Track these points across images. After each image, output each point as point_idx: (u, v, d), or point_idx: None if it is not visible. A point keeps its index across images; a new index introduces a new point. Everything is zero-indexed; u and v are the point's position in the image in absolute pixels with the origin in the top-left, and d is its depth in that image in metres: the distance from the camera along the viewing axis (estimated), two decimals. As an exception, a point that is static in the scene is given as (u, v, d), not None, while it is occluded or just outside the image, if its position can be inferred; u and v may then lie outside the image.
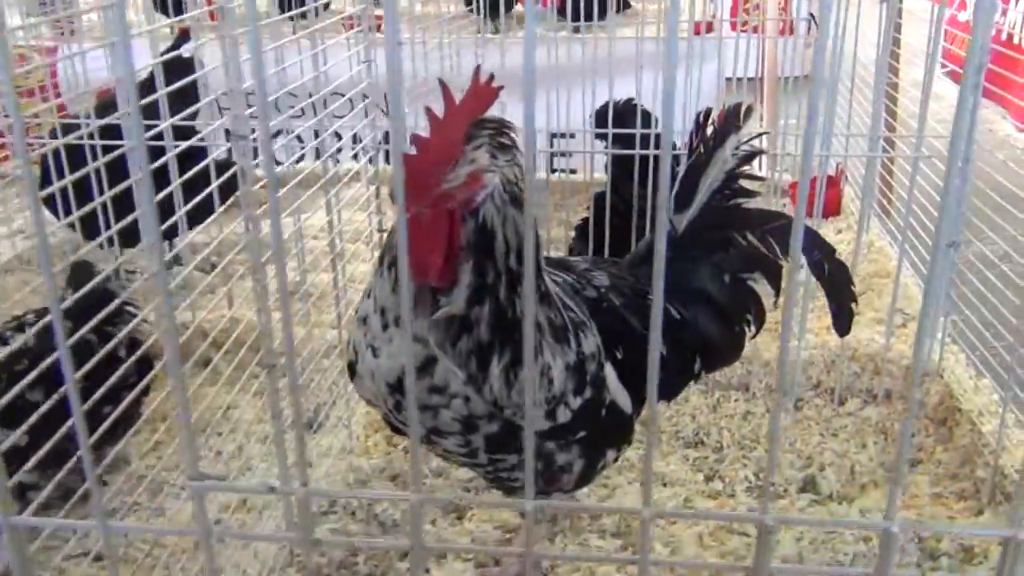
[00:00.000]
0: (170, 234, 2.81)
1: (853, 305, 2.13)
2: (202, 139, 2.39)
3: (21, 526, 1.05)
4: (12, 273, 3.87)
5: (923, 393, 2.76)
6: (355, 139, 3.01)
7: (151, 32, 2.39)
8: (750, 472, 2.57)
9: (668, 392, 2.10)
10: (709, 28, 4.67)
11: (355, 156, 2.66)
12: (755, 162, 2.23)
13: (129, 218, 2.04)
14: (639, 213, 2.85)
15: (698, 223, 2.08)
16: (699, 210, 2.08)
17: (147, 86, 2.62)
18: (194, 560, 2.24)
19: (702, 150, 2.11)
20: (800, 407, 2.82)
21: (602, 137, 3.15)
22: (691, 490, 2.49)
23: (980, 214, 2.78)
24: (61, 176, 2.69)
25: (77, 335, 1.51)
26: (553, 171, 4.29)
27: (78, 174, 2.01)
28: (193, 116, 2.41)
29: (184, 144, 2.33)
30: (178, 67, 2.66)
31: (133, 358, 1.97)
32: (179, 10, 4.02)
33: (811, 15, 5.99)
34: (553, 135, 3.59)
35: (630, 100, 3.14)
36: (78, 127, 2.66)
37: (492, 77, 1.54)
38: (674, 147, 3.05)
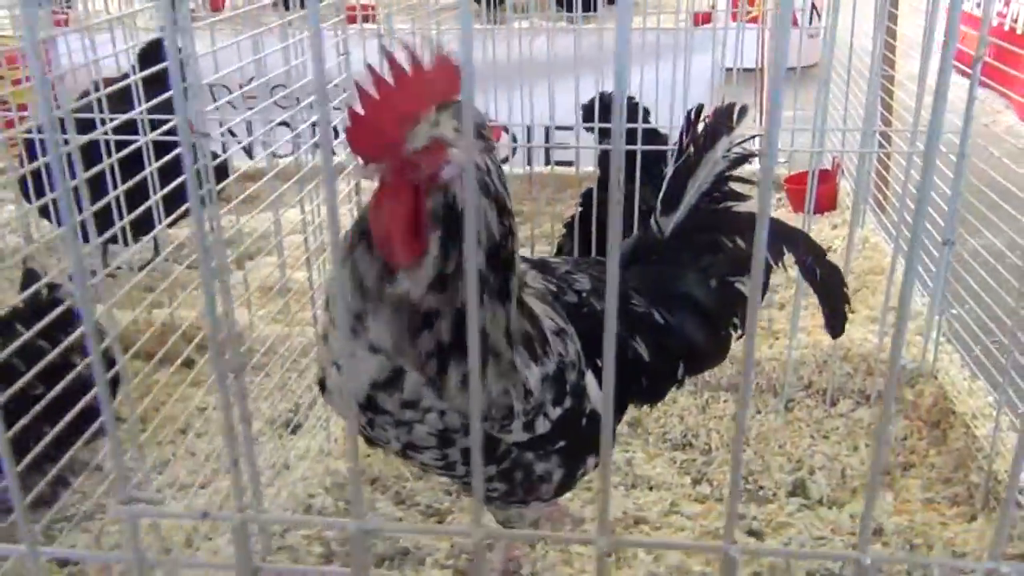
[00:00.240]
0: (146, 229, 2.76)
1: (846, 307, 2.06)
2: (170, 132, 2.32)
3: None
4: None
5: (916, 394, 2.69)
6: (336, 133, 2.94)
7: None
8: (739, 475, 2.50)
9: (651, 397, 2.03)
10: (707, 19, 4.61)
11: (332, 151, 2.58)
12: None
13: (91, 209, 1.97)
14: (627, 210, 2.78)
15: (685, 226, 2.00)
16: (687, 213, 2.00)
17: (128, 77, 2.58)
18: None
19: (691, 150, 2.03)
20: (791, 408, 2.76)
21: (591, 131, 3.08)
22: (678, 494, 2.43)
23: (976, 209, 2.70)
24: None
25: (20, 340, 1.45)
26: (549, 163, 4.23)
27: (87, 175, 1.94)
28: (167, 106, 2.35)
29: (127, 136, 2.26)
30: (159, 57, 2.61)
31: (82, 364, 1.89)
32: None
33: (813, 5, 5.92)
34: (558, 127, 3.53)
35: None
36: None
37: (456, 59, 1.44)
38: (666, 142, 2.99)
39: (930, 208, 2.83)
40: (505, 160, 4.49)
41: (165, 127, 2.21)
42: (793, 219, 3.74)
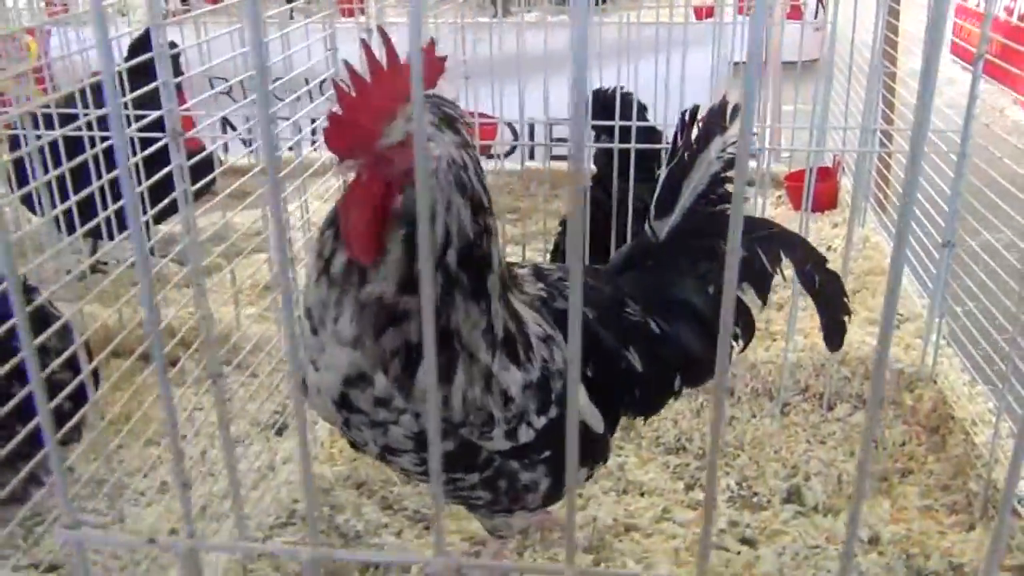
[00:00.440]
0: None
1: (846, 319, 1.97)
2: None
3: None
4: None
5: (915, 399, 2.63)
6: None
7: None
8: (733, 481, 2.46)
9: (646, 410, 1.95)
10: (710, 13, 4.54)
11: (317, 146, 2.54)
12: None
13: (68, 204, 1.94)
14: (622, 209, 2.73)
15: (681, 230, 1.93)
16: (682, 216, 1.93)
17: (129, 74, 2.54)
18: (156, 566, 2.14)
19: (685, 152, 1.96)
20: (787, 412, 2.71)
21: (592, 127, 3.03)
22: (670, 500, 2.38)
23: (978, 209, 2.64)
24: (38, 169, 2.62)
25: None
26: (554, 158, 4.17)
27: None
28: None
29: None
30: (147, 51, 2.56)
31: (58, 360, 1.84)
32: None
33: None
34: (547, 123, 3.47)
35: (621, 88, 3.00)
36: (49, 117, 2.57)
37: (440, 55, 1.44)
38: (663, 140, 2.92)
39: (930, 208, 2.77)
40: (508, 155, 4.43)
41: (139, 124, 2.16)
42: (793, 217, 3.68)
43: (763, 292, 1.96)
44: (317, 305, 1.48)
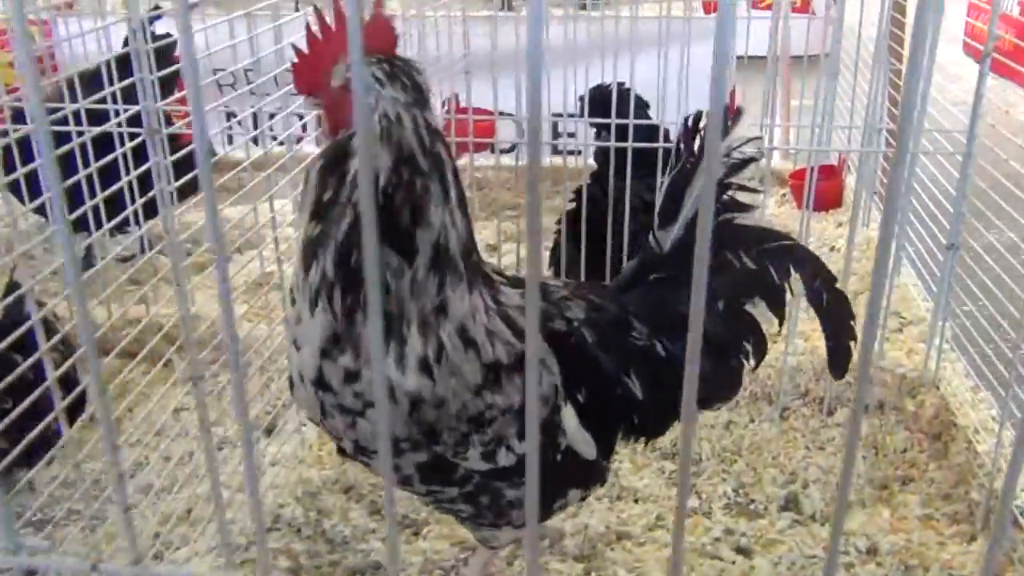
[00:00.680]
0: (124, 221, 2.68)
1: (851, 344, 1.89)
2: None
3: None
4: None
5: (917, 405, 2.57)
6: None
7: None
8: (730, 488, 2.40)
9: (647, 435, 1.86)
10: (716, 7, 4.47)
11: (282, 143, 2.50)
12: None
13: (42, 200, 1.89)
14: (619, 207, 2.67)
15: (685, 242, 1.83)
16: (685, 226, 1.83)
17: (121, 66, 2.50)
18: None
19: (688, 160, 1.88)
20: (786, 417, 2.65)
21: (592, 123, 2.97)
22: (665, 507, 2.33)
23: (983, 209, 2.58)
24: (24, 160, 2.59)
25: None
26: (558, 152, 4.10)
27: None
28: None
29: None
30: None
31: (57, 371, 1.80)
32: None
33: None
34: (556, 115, 3.42)
35: (620, 84, 2.94)
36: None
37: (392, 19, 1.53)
38: (661, 137, 2.86)
39: (935, 209, 2.71)
40: (511, 149, 4.38)
41: (119, 117, 2.11)
42: (797, 215, 3.62)
43: (777, 306, 1.85)
44: (295, 275, 1.53)
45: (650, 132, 2.87)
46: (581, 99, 3.07)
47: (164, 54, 2.86)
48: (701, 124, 1.94)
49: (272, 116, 2.52)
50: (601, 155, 2.94)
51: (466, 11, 3.22)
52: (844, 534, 2.22)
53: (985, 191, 2.56)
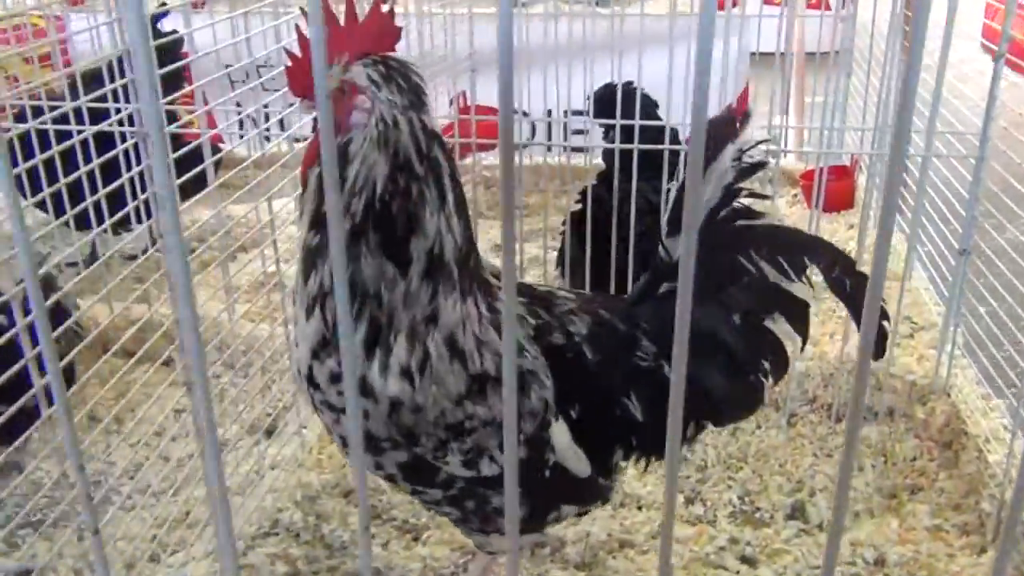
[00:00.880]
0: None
1: (885, 323, 1.80)
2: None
3: None
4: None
5: (927, 412, 2.52)
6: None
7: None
8: (735, 495, 2.36)
9: (648, 457, 1.80)
10: (734, 1, 4.40)
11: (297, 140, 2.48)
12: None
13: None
14: (624, 208, 2.63)
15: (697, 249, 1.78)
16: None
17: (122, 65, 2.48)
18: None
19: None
20: (793, 423, 2.60)
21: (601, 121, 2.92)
22: (668, 514, 2.29)
23: (996, 211, 2.53)
24: (26, 157, 2.58)
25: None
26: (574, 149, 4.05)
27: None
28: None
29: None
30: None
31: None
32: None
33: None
34: (574, 112, 3.37)
35: (628, 83, 2.89)
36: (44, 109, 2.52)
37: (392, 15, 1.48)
38: (676, 140, 2.80)
39: (948, 213, 2.66)
40: (528, 144, 4.33)
41: (119, 115, 2.09)
42: (807, 216, 3.57)
43: (799, 322, 1.77)
44: (297, 279, 1.54)
45: (657, 133, 2.82)
46: (589, 99, 3.03)
47: (170, 50, 2.84)
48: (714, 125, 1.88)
49: (269, 112, 2.50)
50: (609, 155, 2.90)
51: (471, 8, 3.18)
52: (851, 544, 2.18)
53: (997, 194, 2.51)
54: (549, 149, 4.33)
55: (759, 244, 1.73)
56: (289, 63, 1.48)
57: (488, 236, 3.96)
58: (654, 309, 1.76)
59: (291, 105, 2.38)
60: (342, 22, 1.45)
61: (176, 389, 2.50)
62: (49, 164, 2.41)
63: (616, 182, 2.60)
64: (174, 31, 2.94)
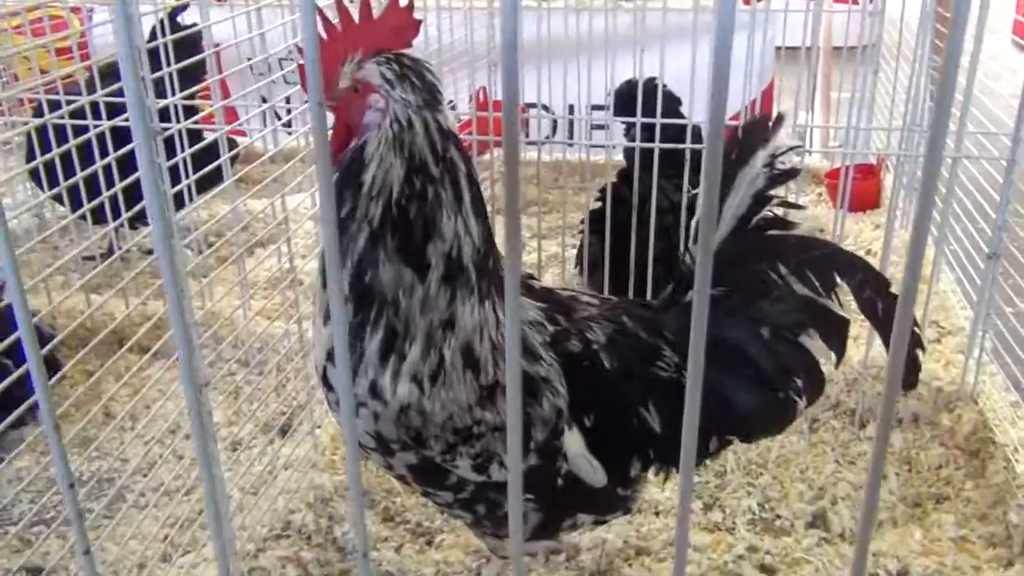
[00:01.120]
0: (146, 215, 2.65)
1: (919, 351, 1.69)
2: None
3: None
4: None
5: (953, 420, 2.46)
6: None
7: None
8: (754, 502, 2.32)
9: (668, 469, 1.75)
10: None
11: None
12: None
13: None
14: (645, 209, 2.58)
15: (723, 260, 1.63)
16: (722, 244, 1.67)
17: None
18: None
19: (728, 168, 1.75)
20: (815, 429, 2.55)
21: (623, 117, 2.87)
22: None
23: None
24: (45, 150, 2.57)
25: None
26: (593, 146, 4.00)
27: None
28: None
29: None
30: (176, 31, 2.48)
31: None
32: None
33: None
34: (595, 107, 3.32)
35: (651, 79, 2.83)
36: (62, 103, 2.51)
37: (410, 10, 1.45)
38: (699, 138, 2.74)
39: (977, 215, 2.59)
40: (546, 141, 4.29)
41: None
42: (832, 216, 3.50)
43: (835, 339, 1.68)
44: (316, 281, 1.56)
45: (679, 131, 2.77)
46: (610, 95, 2.98)
47: (188, 44, 2.82)
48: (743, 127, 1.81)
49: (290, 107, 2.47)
50: (630, 153, 2.85)
51: (492, 2, 3.13)
52: (873, 555, 2.12)
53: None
54: (570, 145, 4.31)
55: (788, 257, 1.66)
56: (302, 61, 1.46)
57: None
58: (679, 318, 1.70)
59: (307, 101, 2.35)
60: (356, 18, 1.42)
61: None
62: (66, 158, 2.40)
63: (636, 180, 2.55)
64: (194, 24, 2.92)
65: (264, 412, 2.55)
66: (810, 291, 1.65)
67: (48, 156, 2.32)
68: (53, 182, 2.57)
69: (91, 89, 2.56)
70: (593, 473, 1.61)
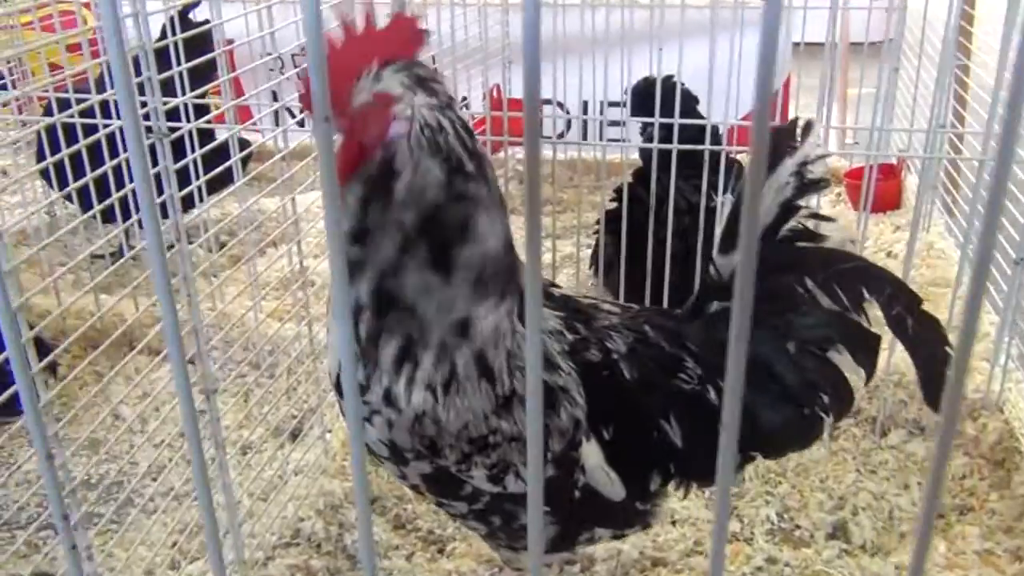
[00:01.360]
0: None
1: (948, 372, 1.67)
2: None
3: None
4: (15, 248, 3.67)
5: (978, 428, 2.41)
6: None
7: None
8: (773, 512, 2.27)
9: (689, 483, 1.68)
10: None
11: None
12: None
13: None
14: (662, 210, 2.54)
15: None
16: None
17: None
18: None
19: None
20: (835, 437, 2.49)
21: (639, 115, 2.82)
22: (704, 531, 2.21)
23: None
24: (55, 148, 2.54)
25: None
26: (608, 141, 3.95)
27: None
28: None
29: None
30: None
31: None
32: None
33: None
34: (611, 104, 3.27)
35: (668, 77, 2.77)
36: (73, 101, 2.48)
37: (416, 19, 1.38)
38: (717, 138, 2.69)
39: (1003, 218, 2.53)
40: (560, 136, 4.24)
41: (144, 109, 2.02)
42: (852, 217, 3.45)
43: (866, 356, 1.64)
44: (331, 284, 1.53)
45: (697, 131, 2.72)
46: (627, 93, 2.93)
47: (200, 42, 2.78)
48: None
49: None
50: (647, 152, 2.80)
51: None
52: (895, 568, 2.08)
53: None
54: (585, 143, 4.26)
55: (815, 270, 1.60)
56: (303, 86, 1.41)
57: (522, 232, 3.87)
58: (702, 329, 1.65)
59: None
60: (361, 32, 1.37)
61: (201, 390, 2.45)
62: (75, 157, 2.37)
63: (653, 181, 2.50)
64: (206, 21, 2.88)
65: (275, 416, 2.52)
66: (838, 306, 1.59)
67: (57, 156, 2.29)
68: (63, 181, 2.54)
69: (100, 88, 2.53)
70: (611, 486, 1.56)
